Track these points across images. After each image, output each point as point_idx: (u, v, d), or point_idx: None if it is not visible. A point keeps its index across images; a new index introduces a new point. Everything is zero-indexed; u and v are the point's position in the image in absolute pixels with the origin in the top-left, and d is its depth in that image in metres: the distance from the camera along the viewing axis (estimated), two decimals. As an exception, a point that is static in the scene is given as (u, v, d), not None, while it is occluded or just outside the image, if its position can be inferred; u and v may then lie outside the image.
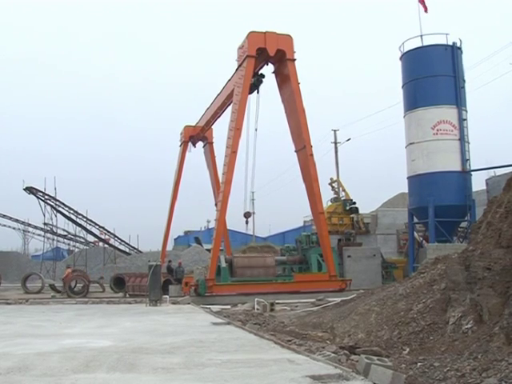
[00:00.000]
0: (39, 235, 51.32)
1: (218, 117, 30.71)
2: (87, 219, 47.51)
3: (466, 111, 25.40)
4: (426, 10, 26.19)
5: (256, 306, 17.45)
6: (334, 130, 43.01)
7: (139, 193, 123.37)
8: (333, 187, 36.73)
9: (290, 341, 9.67)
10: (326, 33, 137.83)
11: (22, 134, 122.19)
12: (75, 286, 26.00)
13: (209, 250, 29.51)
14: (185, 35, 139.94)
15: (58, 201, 45.30)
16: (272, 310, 16.75)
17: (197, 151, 36.36)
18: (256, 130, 25.03)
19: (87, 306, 19.60)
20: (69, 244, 51.63)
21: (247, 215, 26.00)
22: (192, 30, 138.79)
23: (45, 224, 45.93)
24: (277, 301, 18.31)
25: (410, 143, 25.95)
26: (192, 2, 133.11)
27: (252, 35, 23.52)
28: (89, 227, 48.36)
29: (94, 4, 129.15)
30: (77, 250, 50.41)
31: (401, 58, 26.85)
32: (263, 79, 25.24)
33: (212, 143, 35.26)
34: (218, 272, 22.96)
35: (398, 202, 37.33)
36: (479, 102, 49.61)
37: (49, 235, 47.75)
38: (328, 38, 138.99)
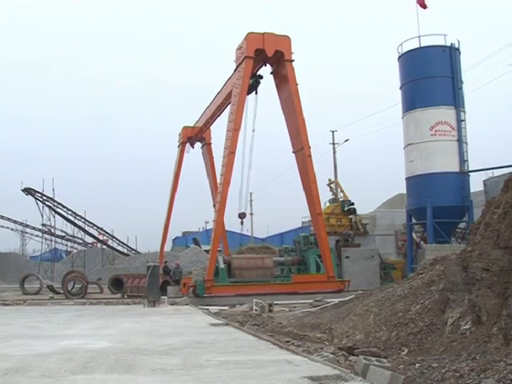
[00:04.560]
0: (37, 236, 51.38)
1: (217, 117, 30.72)
2: (85, 220, 47.54)
3: (464, 112, 25.47)
4: (424, 7, 26.06)
5: (254, 307, 17.43)
6: (332, 131, 43.17)
7: (138, 194, 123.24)
8: (331, 188, 36.77)
9: (288, 342, 9.68)
10: (325, 33, 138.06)
11: (21, 135, 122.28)
12: (73, 287, 25.96)
13: (207, 251, 29.52)
14: (183, 36, 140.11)
15: (56, 202, 45.30)
16: (270, 310, 16.75)
17: (195, 152, 36.43)
18: (253, 130, 25.01)
19: (85, 307, 19.56)
20: (67, 245, 51.69)
21: (242, 216, 25.97)
22: (191, 31, 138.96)
23: (43, 225, 45.95)
24: (275, 302, 18.31)
25: (409, 144, 25.99)
26: (191, 2, 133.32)
27: (250, 36, 23.54)
28: (87, 228, 48.43)
29: (93, 4, 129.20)
30: (75, 251, 50.44)
31: (399, 59, 26.89)
32: (261, 80, 25.27)
33: (210, 144, 35.25)
34: (216, 273, 22.95)
35: (397, 203, 37.35)
36: (477, 104, 49.67)
37: (47, 236, 47.75)
38: (327, 38, 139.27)
